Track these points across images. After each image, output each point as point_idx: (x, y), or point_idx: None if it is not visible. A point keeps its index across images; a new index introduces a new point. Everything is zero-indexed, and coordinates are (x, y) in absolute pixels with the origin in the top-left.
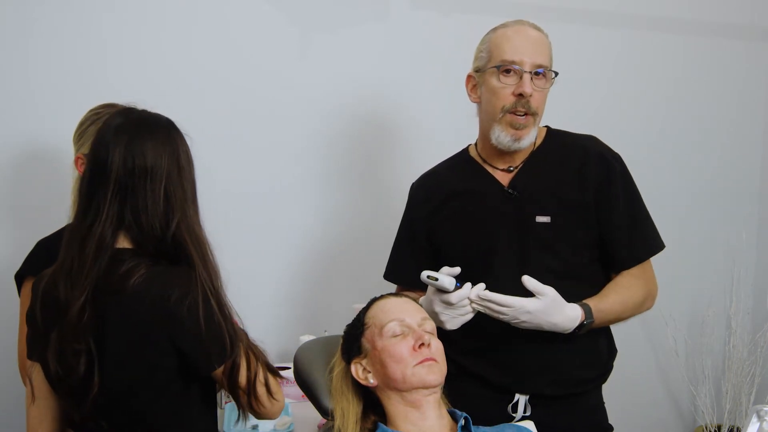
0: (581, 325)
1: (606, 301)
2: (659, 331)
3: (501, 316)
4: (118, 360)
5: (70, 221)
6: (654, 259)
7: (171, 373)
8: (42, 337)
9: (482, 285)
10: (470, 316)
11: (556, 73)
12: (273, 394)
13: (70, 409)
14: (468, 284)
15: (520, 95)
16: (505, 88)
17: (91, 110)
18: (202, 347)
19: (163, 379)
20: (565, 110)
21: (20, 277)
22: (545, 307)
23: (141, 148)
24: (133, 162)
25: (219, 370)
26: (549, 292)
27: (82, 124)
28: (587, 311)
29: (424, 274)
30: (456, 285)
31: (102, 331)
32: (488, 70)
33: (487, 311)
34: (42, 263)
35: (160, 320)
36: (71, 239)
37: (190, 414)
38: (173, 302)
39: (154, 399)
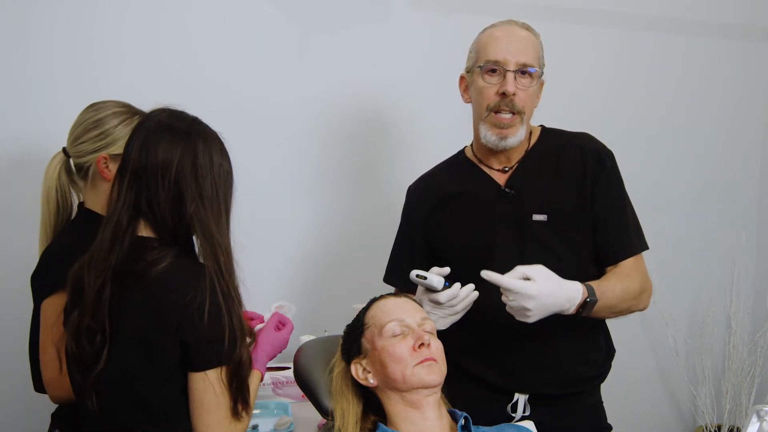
0: (584, 305)
1: (606, 284)
2: (659, 331)
3: (508, 303)
4: (129, 341)
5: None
6: (655, 259)
7: (174, 364)
8: (67, 318)
9: (471, 285)
10: (459, 316)
11: (542, 73)
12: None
13: (75, 385)
14: (457, 284)
15: (504, 94)
16: (489, 88)
17: (92, 112)
18: (202, 345)
19: (166, 369)
20: (564, 110)
21: (46, 295)
22: (545, 284)
23: (155, 144)
24: (147, 157)
25: (214, 373)
26: (539, 269)
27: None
28: (590, 290)
29: (413, 273)
30: (445, 284)
31: (120, 312)
32: (475, 70)
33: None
34: (59, 274)
35: (173, 311)
36: (101, 226)
37: (184, 414)
38: (185, 297)
39: (154, 389)
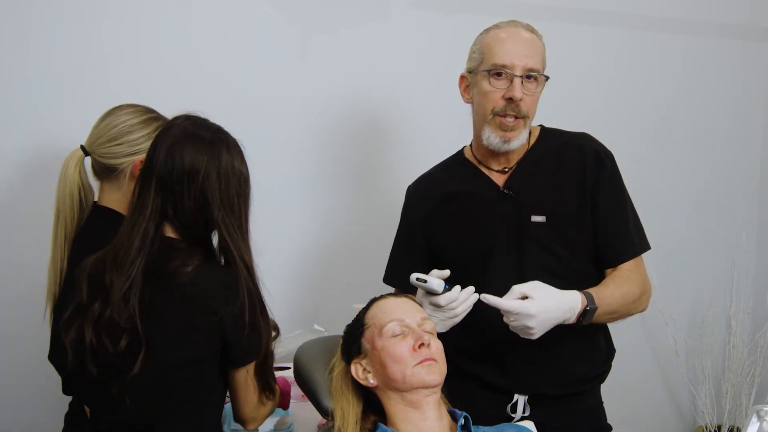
0: (584, 313)
1: (605, 291)
2: (659, 331)
3: (510, 323)
4: (165, 340)
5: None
6: (655, 260)
7: (209, 359)
8: (84, 309)
9: (471, 288)
10: (459, 319)
11: (547, 77)
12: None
13: (103, 384)
14: (457, 287)
15: (510, 99)
16: (495, 92)
17: (126, 116)
18: (243, 343)
19: (200, 365)
20: (564, 110)
21: None
22: (544, 300)
23: (181, 151)
24: (173, 163)
25: (252, 366)
26: (536, 285)
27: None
28: (589, 298)
29: (413, 276)
30: (445, 287)
31: (153, 314)
32: (480, 72)
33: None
34: None
35: (215, 312)
36: (124, 227)
37: (210, 404)
38: (227, 300)
39: (186, 383)
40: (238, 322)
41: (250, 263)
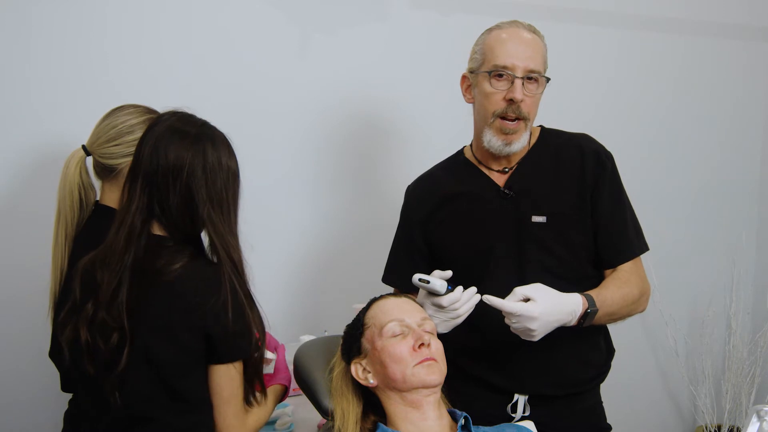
0: (585, 315)
1: (605, 292)
2: (659, 331)
3: (512, 325)
4: (154, 337)
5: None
6: (655, 260)
7: (199, 356)
8: (78, 309)
9: (473, 289)
10: (461, 319)
11: (548, 79)
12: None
13: (85, 376)
14: (459, 287)
15: (511, 100)
16: (496, 93)
17: (125, 116)
18: (228, 339)
19: (192, 361)
20: (564, 110)
21: None
22: (546, 303)
23: (165, 148)
24: (158, 160)
25: (238, 365)
26: (538, 288)
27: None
28: (590, 300)
29: (416, 277)
30: (447, 288)
31: (141, 311)
32: (481, 73)
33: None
34: None
35: (198, 309)
36: (113, 226)
37: (207, 401)
38: (210, 296)
39: (181, 377)
40: (220, 318)
41: (238, 258)
